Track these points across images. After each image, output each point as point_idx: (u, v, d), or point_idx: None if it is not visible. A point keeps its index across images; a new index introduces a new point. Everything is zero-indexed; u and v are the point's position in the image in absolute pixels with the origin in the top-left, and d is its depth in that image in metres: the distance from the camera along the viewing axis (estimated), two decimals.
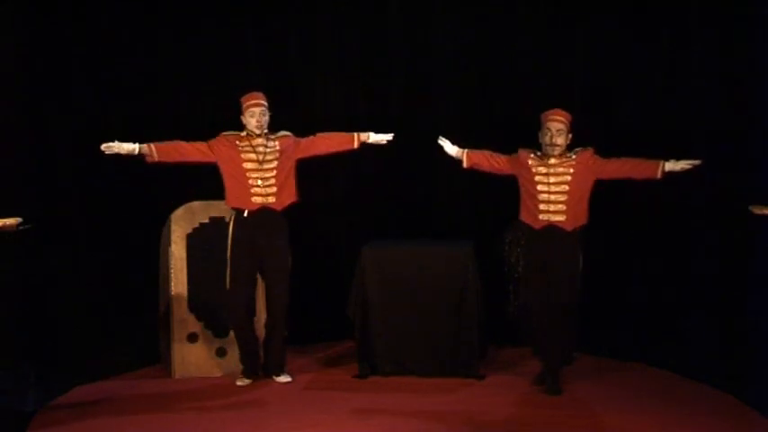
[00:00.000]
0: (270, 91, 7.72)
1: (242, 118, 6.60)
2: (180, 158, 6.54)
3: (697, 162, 6.21)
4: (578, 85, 7.55)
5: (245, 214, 6.50)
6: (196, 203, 6.92)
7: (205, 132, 7.66)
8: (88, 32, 7.32)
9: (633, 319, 7.28)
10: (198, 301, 6.83)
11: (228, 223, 6.61)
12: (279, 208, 6.55)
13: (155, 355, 7.09)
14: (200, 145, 6.57)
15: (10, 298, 6.49)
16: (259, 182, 6.48)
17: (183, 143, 6.56)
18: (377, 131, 7.56)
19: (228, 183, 6.54)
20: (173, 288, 6.80)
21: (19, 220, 5.69)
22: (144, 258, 7.16)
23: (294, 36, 7.83)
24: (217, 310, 6.81)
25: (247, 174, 6.49)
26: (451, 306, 6.63)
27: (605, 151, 7.54)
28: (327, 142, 6.70)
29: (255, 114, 6.53)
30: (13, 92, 6.73)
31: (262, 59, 7.79)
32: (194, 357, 6.83)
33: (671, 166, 6.25)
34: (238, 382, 6.65)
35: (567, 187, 6.29)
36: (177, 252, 6.81)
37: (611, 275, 7.42)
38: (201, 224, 6.88)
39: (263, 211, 6.50)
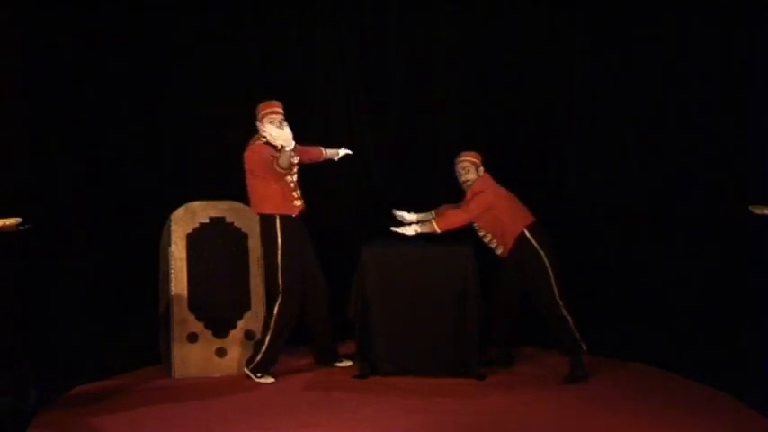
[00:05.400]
0: (270, 92, 7.74)
1: (258, 125, 6.64)
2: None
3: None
4: (578, 85, 7.56)
5: (293, 216, 6.67)
6: (196, 203, 6.92)
7: (205, 131, 7.69)
8: (88, 32, 7.32)
9: (633, 319, 7.29)
10: (198, 301, 6.83)
11: (271, 229, 6.64)
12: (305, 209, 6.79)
13: (155, 355, 7.09)
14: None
15: (10, 298, 6.49)
16: (296, 189, 6.69)
17: None
18: (377, 132, 7.60)
19: (272, 189, 6.60)
20: (173, 288, 6.80)
21: (19, 220, 5.69)
22: (144, 258, 7.16)
23: (294, 39, 7.83)
24: (217, 309, 6.83)
25: (289, 181, 6.64)
26: (451, 306, 6.62)
27: (605, 149, 7.59)
28: (307, 156, 6.85)
29: (275, 122, 6.57)
30: (13, 92, 6.73)
31: (262, 63, 7.80)
32: (194, 357, 6.83)
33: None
34: (265, 380, 6.66)
35: (476, 225, 6.81)
36: (177, 252, 6.81)
37: (612, 275, 7.43)
38: (201, 224, 6.89)
39: (302, 215, 6.73)
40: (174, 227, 6.85)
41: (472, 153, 6.85)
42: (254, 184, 6.61)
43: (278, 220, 6.62)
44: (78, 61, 7.32)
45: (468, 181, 6.79)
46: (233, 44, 7.75)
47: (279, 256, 6.62)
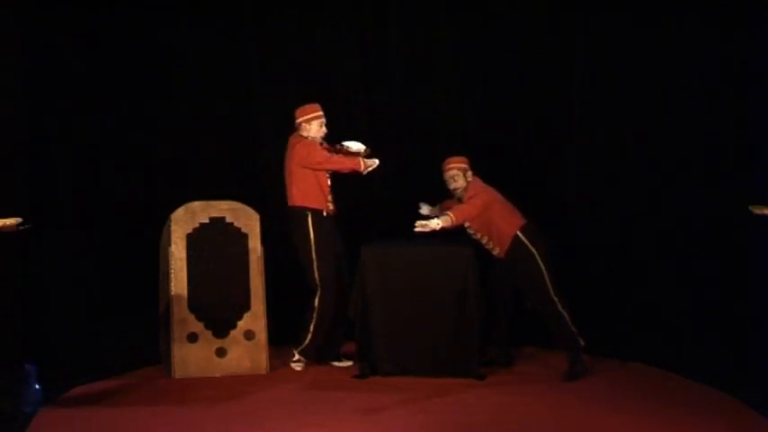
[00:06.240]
0: (270, 92, 7.76)
1: (305, 126, 6.84)
2: None
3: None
4: (577, 85, 7.56)
5: (324, 215, 6.83)
6: (196, 203, 6.91)
7: (205, 131, 7.68)
8: (88, 32, 7.32)
9: (633, 319, 7.29)
10: (198, 301, 6.83)
11: (303, 224, 6.80)
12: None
13: (155, 355, 7.09)
14: None
15: (10, 298, 6.49)
16: (331, 192, 6.89)
17: None
18: (376, 132, 7.60)
19: (315, 184, 6.80)
20: (173, 288, 6.80)
21: (19, 220, 5.69)
22: (144, 258, 7.16)
23: (294, 39, 7.83)
24: (217, 309, 6.83)
25: (327, 179, 6.85)
26: (451, 306, 6.62)
27: (606, 150, 7.59)
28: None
29: (323, 125, 6.86)
30: (13, 92, 6.73)
31: (262, 63, 7.80)
32: (194, 357, 6.82)
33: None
34: (296, 366, 6.86)
35: (470, 229, 6.81)
36: (177, 252, 6.81)
37: (612, 276, 7.43)
38: (201, 224, 6.89)
39: (332, 217, 6.89)
40: (174, 227, 6.85)
41: (458, 158, 6.84)
42: (306, 175, 6.76)
43: (310, 215, 6.79)
44: (78, 61, 7.32)
45: (458, 189, 6.78)
46: (233, 44, 7.75)
47: (312, 251, 6.78)
